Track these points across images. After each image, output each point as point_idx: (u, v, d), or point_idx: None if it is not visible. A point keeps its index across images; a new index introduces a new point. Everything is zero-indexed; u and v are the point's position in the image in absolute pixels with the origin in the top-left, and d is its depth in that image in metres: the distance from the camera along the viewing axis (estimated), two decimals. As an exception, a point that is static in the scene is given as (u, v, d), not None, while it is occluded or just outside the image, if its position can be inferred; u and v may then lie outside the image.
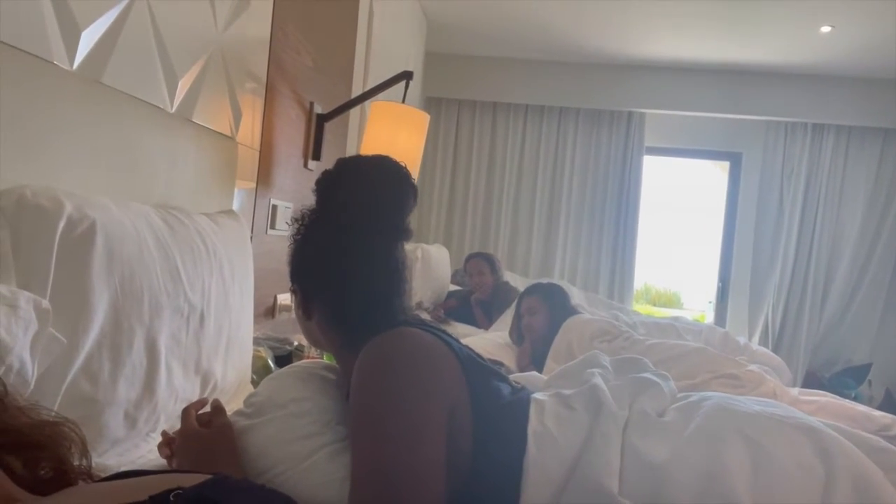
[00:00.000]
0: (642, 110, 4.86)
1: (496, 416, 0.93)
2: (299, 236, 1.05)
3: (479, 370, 0.97)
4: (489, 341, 2.76)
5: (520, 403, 0.98)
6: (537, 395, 1.01)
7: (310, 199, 1.11)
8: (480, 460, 0.91)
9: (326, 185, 1.07)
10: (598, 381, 1.02)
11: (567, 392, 1.01)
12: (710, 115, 4.82)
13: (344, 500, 0.87)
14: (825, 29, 3.81)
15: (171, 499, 0.51)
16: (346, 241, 1.00)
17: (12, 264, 0.89)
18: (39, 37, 1.05)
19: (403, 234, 1.03)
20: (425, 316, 3.52)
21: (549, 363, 2.45)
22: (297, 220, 1.05)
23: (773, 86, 4.66)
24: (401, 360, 0.91)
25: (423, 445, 0.84)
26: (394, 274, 1.01)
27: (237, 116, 1.80)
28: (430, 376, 0.91)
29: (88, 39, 1.17)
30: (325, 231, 1.02)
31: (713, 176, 5.37)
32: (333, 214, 1.03)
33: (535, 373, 1.26)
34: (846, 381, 4.44)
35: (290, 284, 1.07)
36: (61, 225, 0.94)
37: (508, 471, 0.90)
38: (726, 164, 5.15)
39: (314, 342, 1.09)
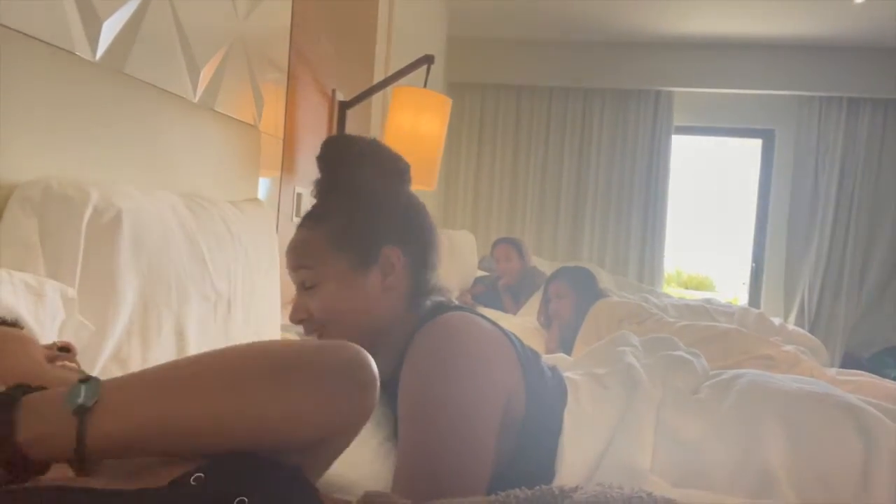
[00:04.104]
0: (670, 88, 4.76)
1: (544, 397, 0.93)
2: (358, 198, 0.99)
3: (529, 354, 0.97)
4: (517, 326, 2.75)
5: (559, 384, 0.97)
6: (570, 375, 1.01)
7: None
8: (524, 439, 0.91)
9: (364, 152, 1.04)
10: (632, 359, 1.01)
11: (600, 371, 1.00)
12: (741, 92, 4.69)
13: (372, 479, 0.87)
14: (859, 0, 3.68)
15: (192, 483, 0.50)
16: (405, 191, 1.02)
17: (40, 253, 0.90)
18: (61, 28, 1.06)
19: None
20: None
21: (579, 346, 2.43)
22: (343, 188, 1.02)
23: (806, 60, 4.52)
24: (464, 345, 0.89)
25: (477, 437, 0.84)
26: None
27: (260, 105, 1.80)
28: (492, 363, 0.90)
29: (110, 30, 1.18)
30: (386, 185, 1.01)
31: (745, 154, 5.25)
32: (384, 172, 1.02)
33: (561, 354, 1.25)
34: (886, 360, 4.32)
35: (368, 251, 0.96)
36: (88, 214, 0.95)
37: (547, 449, 0.90)
38: (759, 142, 5.02)
39: (363, 328, 0.97)
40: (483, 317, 0.97)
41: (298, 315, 0.99)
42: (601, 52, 4.72)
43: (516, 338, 0.98)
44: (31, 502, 0.48)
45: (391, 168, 1.03)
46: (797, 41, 4.42)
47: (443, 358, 0.87)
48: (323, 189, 1.03)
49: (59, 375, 0.62)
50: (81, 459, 0.50)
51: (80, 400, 0.50)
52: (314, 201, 1.06)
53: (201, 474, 0.50)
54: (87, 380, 0.52)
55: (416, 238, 1.00)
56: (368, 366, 0.54)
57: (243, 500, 0.48)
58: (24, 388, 0.52)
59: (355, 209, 0.99)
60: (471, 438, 0.83)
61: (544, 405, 0.92)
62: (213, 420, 0.51)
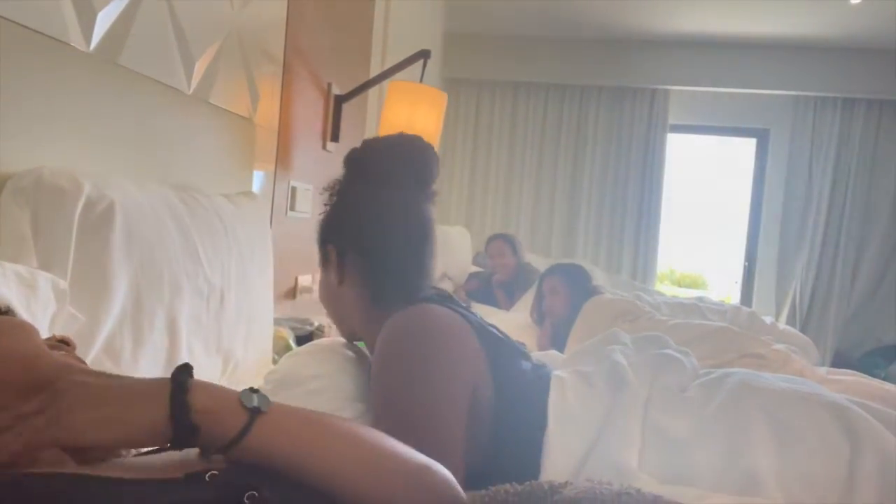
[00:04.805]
0: (666, 87, 4.76)
1: (518, 392, 0.94)
2: (335, 198, 1.09)
3: (499, 347, 0.98)
4: (510, 322, 2.75)
5: (541, 380, 0.98)
6: (557, 373, 1.01)
7: (330, 180, 1.14)
8: (502, 436, 0.91)
9: (355, 157, 1.10)
10: (619, 357, 1.01)
11: (588, 369, 1.01)
12: (737, 91, 4.70)
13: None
14: (855, 0, 3.68)
15: (207, 478, 0.51)
16: (381, 195, 1.05)
17: (32, 245, 0.90)
18: (56, 18, 1.06)
19: (430, 195, 1.09)
20: (447, 284, 3.51)
21: (571, 344, 2.43)
22: (327, 188, 1.11)
23: (801, 59, 4.53)
24: (423, 338, 0.91)
25: (444, 423, 0.85)
26: (425, 227, 1.05)
27: (255, 98, 1.80)
28: (453, 354, 0.91)
29: (104, 20, 1.17)
30: (361, 189, 1.06)
31: (740, 153, 5.26)
32: (366, 177, 1.07)
33: (553, 351, 1.26)
34: (876, 360, 4.35)
35: (321, 248, 1.09)
36: (80, 205, 0.95)
37: (529, 446, 0.90)
38: (753, 141, 5.04)
39: (341, 316, 1.10)
40: (454, 307, 0.99)
41: None
42: (598, 49, 4.72)
43: (485, 327, 0.99)
44: (52, 487, 0.49)
45: (377, 172, 1.06)
46: (793, 41, 4.43)
47: (395, 350, 0.91)
48: None
49: (65, 361, 0.62)
50: (230, 451, 0.54)
51: (256, 402, 0.55)
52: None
53: (216, 472, 0.51)
54: (255, 391, 0.56)
55: (376, 238, 1.03)
56: (461, 495, 0.62)
57: (254, 495, 0.49)
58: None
59: (323, 211, 1.11)
60: (433, 427, 0.84)
61: (518, 397, 0.93)
62: (339, 486, 0.56)
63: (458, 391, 0.89)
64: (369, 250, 1.03)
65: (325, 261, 1.09)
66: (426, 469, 0.61)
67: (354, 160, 1.09)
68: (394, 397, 0.87)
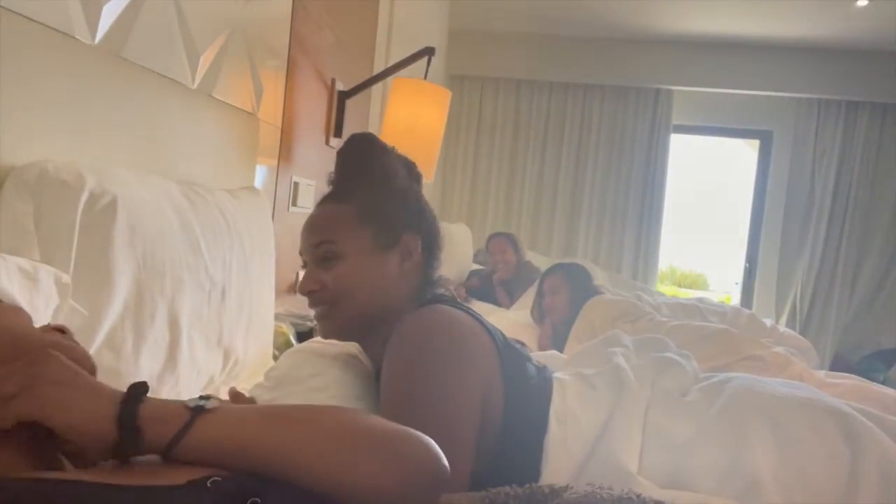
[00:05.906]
0: (670, 87, 4.76)
1: (524, 395, 0.94)
2: (386, 182, 1.05)
3: (510, 351, 0.97)
4: (510, 321, 2.75)
5: (544, 383, 0.98)
6: (559, 375, 1.01)
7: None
8: (506, 437, 0.91)
9: (385, 148, 1.11)
10: (620, 360, 1.01)
11: (589, 372, 1.01)
12: (741, 92, 4.70)
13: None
14: (861, 3, 3.67)
15: (209, 485, 0.51)
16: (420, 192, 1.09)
17: (35, 238, 0.90)
18: (61, 11, 1.05)
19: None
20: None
21: (571, 343, 2.44)
22: (378, 171, 1.08)
23: (805, 62, 4.52)
24: (444, 338, 0.91)
25: (456, 425, 0.85)
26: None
27: (259, 93, 1.79)
28: (471, 358, 0.91)
29: (110, 13, 1.17)
30: (410, 181, 1.08)
31: (743, 154, 5.26)
32: (408, 169, 1.09)
33: (554, 352, 1.26)
34: (875, 364, 4.35)
35: (387, 231, 1.00)
36: (83, 199, 0.95)
37: (531, 448, 0.90)
38: (756, 143, 5.03)
39: (378, 307, 1.00)
40: (469, 311, 0.98)
41: (309, 286, 1.00)
42: (602, 48, 4.71)
43: (499, 333, 0.99)
44: (53, 494, 0.49)
45: (410, 165, 1.10)
46: (797, 43, 4.42)
47: (416, 350, 0.89)
48: (349, 173, 1.06)
49: (54, 339, 0.62)
50: (174, 449, 0.54)
51: (201, 402, 0.57)
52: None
53: (218, 478, 0.51)
54: (206, 397, 0.58)
55: (428, 231, 1.05)
56: (445, 464, 0.58)
57: (256, 501, 0.49)
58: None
59: (384, 190, 1.03)
60: (448, 429, 0.83)
61: (525, 403, 0.93)
62: (302, 468, 0.55)
63: (473, 394, 0.88)
64: (430, 242, 1.05)
65: (384, 245, 1.00)
66: (399, 438, 0.57)
67: (389, 148, 1.10)
68: (410, 392, 0.86)
